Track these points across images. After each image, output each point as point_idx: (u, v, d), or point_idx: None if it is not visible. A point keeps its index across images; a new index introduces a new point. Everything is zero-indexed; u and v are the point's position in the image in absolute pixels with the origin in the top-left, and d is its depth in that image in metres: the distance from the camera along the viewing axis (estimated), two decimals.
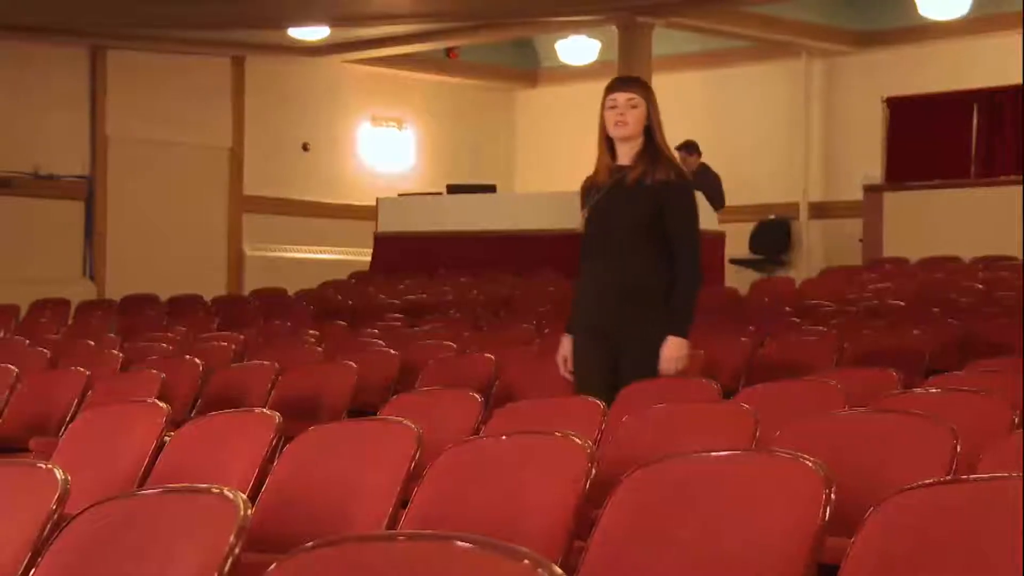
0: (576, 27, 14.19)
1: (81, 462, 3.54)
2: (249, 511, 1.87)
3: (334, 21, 13.25)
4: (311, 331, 7.90)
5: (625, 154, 4.70)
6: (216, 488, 1.94)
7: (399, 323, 8.43)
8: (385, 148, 16.10)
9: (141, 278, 12.97)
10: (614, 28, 12.71)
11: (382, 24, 13.41)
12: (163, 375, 5.42)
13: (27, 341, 7.74)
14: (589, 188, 4.77)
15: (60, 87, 14.13)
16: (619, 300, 4.60)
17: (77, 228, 14.36)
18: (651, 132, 4.68)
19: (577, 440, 2.78)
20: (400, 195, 14.01)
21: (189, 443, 3.57)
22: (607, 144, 4.72)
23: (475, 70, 16.24)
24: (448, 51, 15.44)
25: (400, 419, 3.28)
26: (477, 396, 4.25)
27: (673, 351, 4.57)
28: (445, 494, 2.80)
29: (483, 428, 3.99)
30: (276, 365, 5.79)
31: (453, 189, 13.04)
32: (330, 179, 15.78)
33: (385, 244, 13.01)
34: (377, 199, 13.71)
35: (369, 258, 13.54)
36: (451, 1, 12.38)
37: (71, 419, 5.09)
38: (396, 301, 10.09)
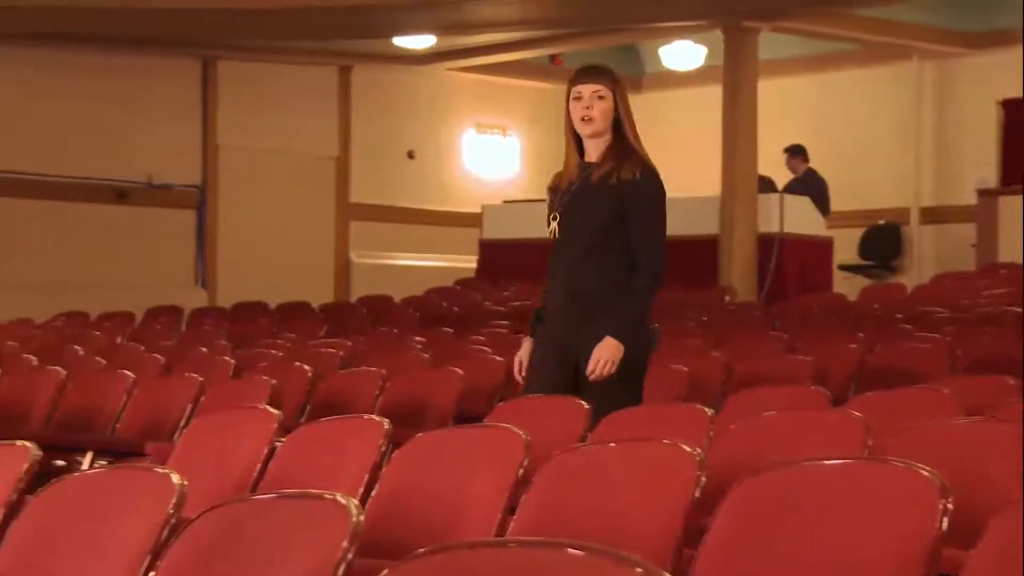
0: (681, 32, 14.11)
1: (195, 467, 3.60)
2: (361, 516, 1.89)
3: (439, 30, 13.33)
4: (417, 338, 7.96)
5: (593, 150, 4.35)
6: (329, 494, 1.96)
7: (504, 329, 8.45)
8: (490, 155, 16.15)
9: (251, 285, 13.16)
10: (719, 33, 12.62)
11: (487, 32, 13.46)
12: (273, 381, 5.49)
13: (142, 347, 7.90)
14: (556, 188, 4.43)
15: (173, 98, 14.40)
16: (579, 307, 4.29)
17: (189, 236, 14.62)
18: (620, 126, 4.32)
19: (686, 448, 2.76)
20: (505, 202, 14.05)
21: (300, 449, 3.61)
22: (575, 140, 4.36)
23: None
24: (552, 58, 15.45)
25: (507, 426, 3.28)
26: (583, 403, 4.25)
27: (604, 352, 4.20)
28: (553, 501, 2.80)
29: (589, 435, 3.98)
30: (383, 372, 5.84)
31: None
32: (435, 186, 15.87)
33: (490, 251, 13.06)
34: (482, 206, 13.77)
35: (474, 265, 13.60)
36: (556, 8, 12.39)
37: (185, 424, 5.19)
38: (501, 308, 10.12)
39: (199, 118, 14.59)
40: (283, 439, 3.76)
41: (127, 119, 14.02)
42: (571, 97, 4.33)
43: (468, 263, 13.85)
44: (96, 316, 10.95)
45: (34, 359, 7.08)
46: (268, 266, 14.44)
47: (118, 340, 8.90)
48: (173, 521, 2.18)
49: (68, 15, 11.68)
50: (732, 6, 11.80)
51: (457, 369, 5.72)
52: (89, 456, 5.35)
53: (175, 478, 2.25)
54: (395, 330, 8.79)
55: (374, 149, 15.38)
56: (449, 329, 8.49)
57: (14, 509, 2.44)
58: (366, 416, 3.71)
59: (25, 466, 2.48)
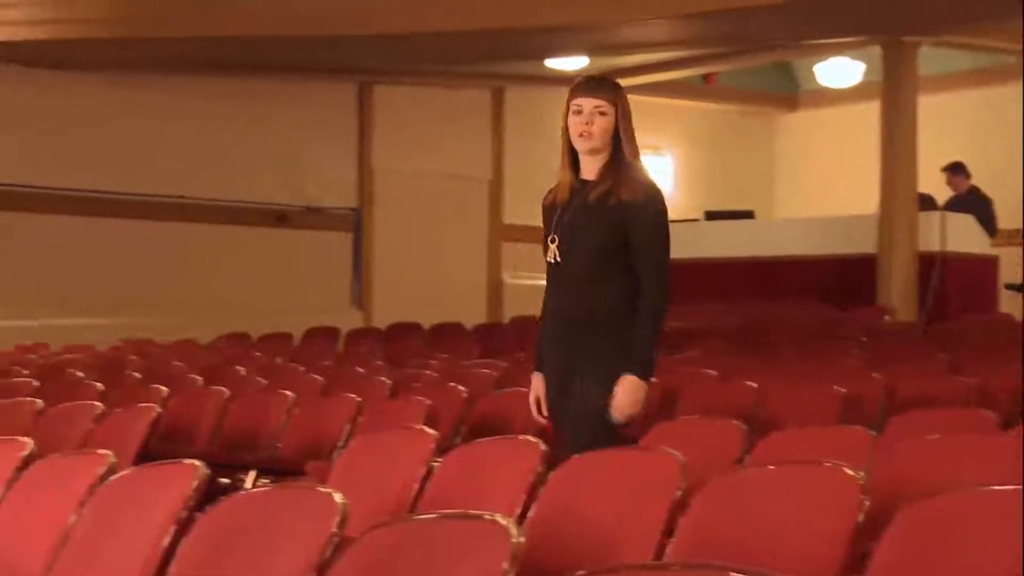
0: (838, 49, 13.90)
1: (354, 486, 3.64)
2: (522, 537, 1.90)
3: (592, 51, 13.35)
4: None
5: (590, 168, 4.10)
6: (489, 514, 1.97)
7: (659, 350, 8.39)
8: None
9: (405, 306, 13.32)
10: (876, 48, 12.40)
11: (639, 52, 13.44)
12: (429, 402, 5.53)
13: (301, 368, 8.04)
14: (550, 208, 4.18)
15: (330, 123, 14.69)
16: (580, 335, 4.03)
17: (346, 258, 14.87)
18: (619, 143, 4.07)
19: (849, 471, 2.70)
20: None
21: (457, 469, 3.63)
22: (570, 156, 4.12)
23: (733, 95, 16.10)
24: (705, 77, 15.36)
25: (664, 448, 3.26)
26: (740, 424, 4.20)
27: (627, 394, 3.94)
28: (712, 524, 2.77)
29: (747, 457, 3.93)
30: None
31: (711, 215, 12.95)
32: None
33: None
34: None
35: None
36: (709, 27, 12.30)
37: (343, 444, 5.27)
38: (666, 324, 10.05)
39: (355, 142, 14.85)
40: (440, 459, 3.79)
41: (287, 144, 14.33)
42: (570, 110, 4.09)
43: None
44: (257, 337, 11.20)
45: (199, 379, 7.27)
46: (422, 287, 14.61)
47: (278, 360, 9.08)
48: (336, 540, 2.21)
49: (231, 44, 12.02)
50: (891, 21, 11.57)
51: None
52: (252, 474, 5.46)
53: (338, 497, 2.28)
54: None
55: (526, 170, 15.45)
56: None
57: (184, 525, 2.50)
58: (522, 437, 3.71)
59: (194, 484, 2.55)
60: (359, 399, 5.80)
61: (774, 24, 12.07)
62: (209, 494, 2.67)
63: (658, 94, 15.29)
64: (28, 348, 10.56)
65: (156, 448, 5.15)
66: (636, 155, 4.11)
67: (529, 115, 15.41)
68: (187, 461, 2.66)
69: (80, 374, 7.64)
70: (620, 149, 4.08)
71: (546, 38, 12.36)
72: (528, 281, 15.29)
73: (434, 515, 2.15)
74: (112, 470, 2.89)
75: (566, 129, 4.10)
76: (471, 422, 5.89)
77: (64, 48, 12.25)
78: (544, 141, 15.69)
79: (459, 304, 14.10)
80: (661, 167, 16.18)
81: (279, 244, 14.30)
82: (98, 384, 6.79)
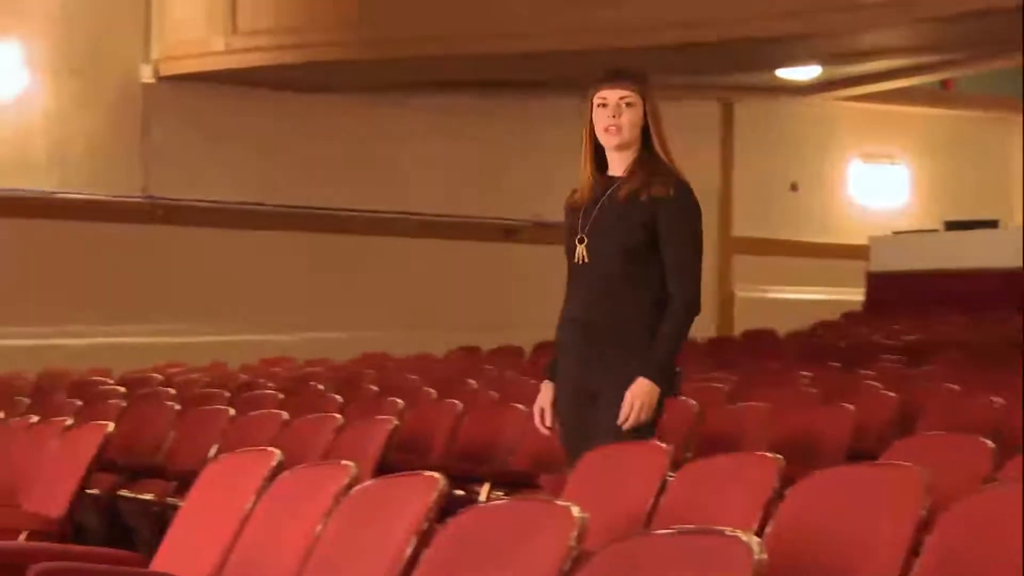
0: None
1: (588, 499, 3.65)
2: (764, 554, 1.87)
3: (825, 60, 13.12)
4: (804, 372, 7.81)
5: (617, 164, 3.87)
6: (730, 530, 1.95)
7: (897, 364, 8.17)
8: (877, 185, 15.72)
9: None
10: None
11: (874, 60, 13.14)
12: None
13: (532, 381, 8.11)
14: (572, 209, 3.94)
15: (559, 139, 14.79)
16: (600, 341, 3.80)
17: None
18: (648, 137, 3.85)
19: None
20: (894, 233, 13.64)
21: (691, 484, 3.60)
22: (592, 152, 3.89)
23: (972, 101, 15.59)
24: (943, 83, 14.91)
25: (906, 464, 3.17)
26: (987, 442, 4.04)
27: (638, 395, 3.74)
28: (960, 546, 2.67)
29: (997, 476, 3.78)
30: (770, 407, 5.76)
31: (951, 225, 12.57)
32: (819, 218, 15.60)
33: (879, 283, 12.71)
34: (869, 237, 13.40)
35: (860, 297, 13.25)
36: (946, 32, 11.94)
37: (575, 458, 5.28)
38: (892, 341, 9.80)
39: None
40: (672, 474, 3.77)
41: (513, 160, 14.52)
42: (595, 103, 3.85)
43: (854, 296, 13.50)
44: (487, 350, 11.35)
45: (433, 392, 7.41)
46: None
47: (509, 374, 9.18)
48: (575, 554, 2.22)
49: (469, 62, 12.26)
50: None
51: (848, 405, 5.57)
52: (486, 487, 5.53)
53: (576, 511, 2.29)
54: (779, 364, 8.66)
55: (756, 182, 15.28)
56: (837, 364, 8.29)
57: (425, 537, 2.56)
58: (758, 453, 3.66)
59: (434, 496, 2.60)
60: None
61: (1013, 26, 11.61)
62: (445, 506, 2.72)
63: (893, 101, 14.91)
64: (273, 361, 10.96)
65: (393, 459, 5.27)
66: (668, 150, 3.89)
67: (759, 126, 15.23)
68: (427, 473, 2.72)
69: (321, 387, 7.88)
70: (650, 142, 3.86)
71: (778, 48, 12.20)
72: (760, 294, 15.11)
73: (673, 530, 2.14)
74: (355, 481, 2.97)
75: (589, 126, 3.87)
76: (702, 436, 5.83)
77: (310, 71, 12.71)
78: (775, 153, 15.53)
79: None
80: (896, 176, 15.77)
81: (509, 259, 14.47)
82: (338, 397, 6.99)
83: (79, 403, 7.12)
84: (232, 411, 6.37)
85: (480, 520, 2.52)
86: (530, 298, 14.56)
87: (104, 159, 12.85)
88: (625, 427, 3.75)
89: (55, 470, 4.74)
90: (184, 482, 5.54)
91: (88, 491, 5.06)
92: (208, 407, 6.79)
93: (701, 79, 14.22)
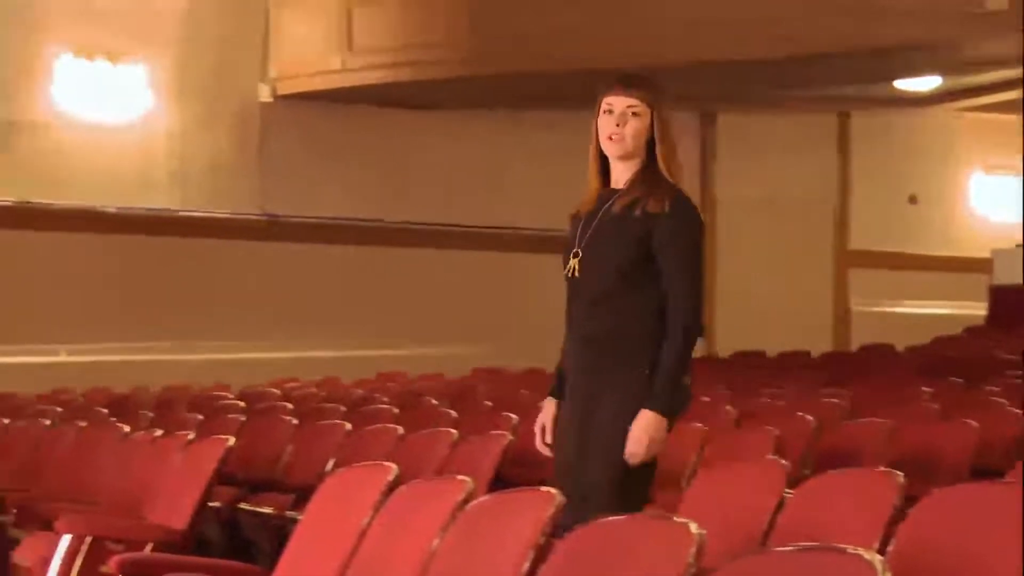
0: None
1: (704, 517, 3.62)
2: (888, 573, 1.84)
3: (945, 70, 12.89)
4: (924, 388, 7.67)
5: (620, 175, 3.69)
6: (853, 548, 1.92)
7: (1021, 380, 7.99)
8: (999, 197, 15.40)
9: (748, 334, 13.19)
10: None
11: (995, 69, 12.88)
12: (777, 432, 5.45)
13: None
14: (576, 220, 3.77)
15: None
16: (598, 359, 3.63)
17: None
18: (653, 149, 3.66)
19: None
20: (1017, 245, 13.36)
21: (809, 501, 3.55)
22: (599, 161, 3.73)
23: None
24: None
25: None
26: None
27: (643, 429, 3.54)
28: None
29: None
30: (890, 423, 5.67)
31: None
32: (939, 231, 15.34)
33: (1002, 296, 12.44)
34: (992, 250, 13.14)
35: (982, 312, 12.99)
36: None
37: (690, 474, 5.25)
38: (1016, 356, 9.58)
39: (697, 170, 14.84)
40: (790, 491, 3.72)
41: None
42: (601, 110, 3.68)
43: (975, 310, 13.24)
44: None
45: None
46: (765, 315, 14.43)
47: None
48: (693, 571, 2.20)
49: (581, 77, 12.24)
50: None
51: (971, 421, 5.46)
52: None
53: (694, 527, 2.28)
54: (898, 380, 8.51)
55: (874, 195, 15.07)
56: (958, 379, 8.13)
57: (542, 552, 2.56)
58: (879, 469, 3.60)
59: (550, 511, 2.60)
60: (705, 428, 5.77)
61: None
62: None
63: (1014, 112, 14.60)
64: (386, 376, 11.07)
65: (507, 474, 5.29)
66: (672, 164, 3.67)
67: (877, 138, 15.02)
68: (543, 488, 2.72)
69: (434, 401, 7.93)
70: (654, 157, 3.67)
71: (898, 59, 12.02)
72: (877, 308, 14.87)
73: (793, 547, 2.11)
74: (470, 496, 2.98)
75: (596, 132, 3.71)
76: (821, 453, 5.76)
77: (423, 88, 12.83)
78: (893, 165, 15.30)
79: (804, 332, 13.83)
80: (1019, 188, 15.43)
81: None
82: (451, 411, 7.03)
83: (200, 417, 7.25)
84: (348, 425, 6.44)
85: (597, 536, 2.51)
86: None
87: (223, 177, 13.10)
88: (633, 462, 3.57)
89: (178, 483, 4.83)
90: (301, 495, 5.61)
91: (210, 504, 5.14)
92: (324, 421, 6.87)
93: (818, 91, 14.06)
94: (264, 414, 7.58)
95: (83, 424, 6.84)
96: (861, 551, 1.91)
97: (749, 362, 11.04)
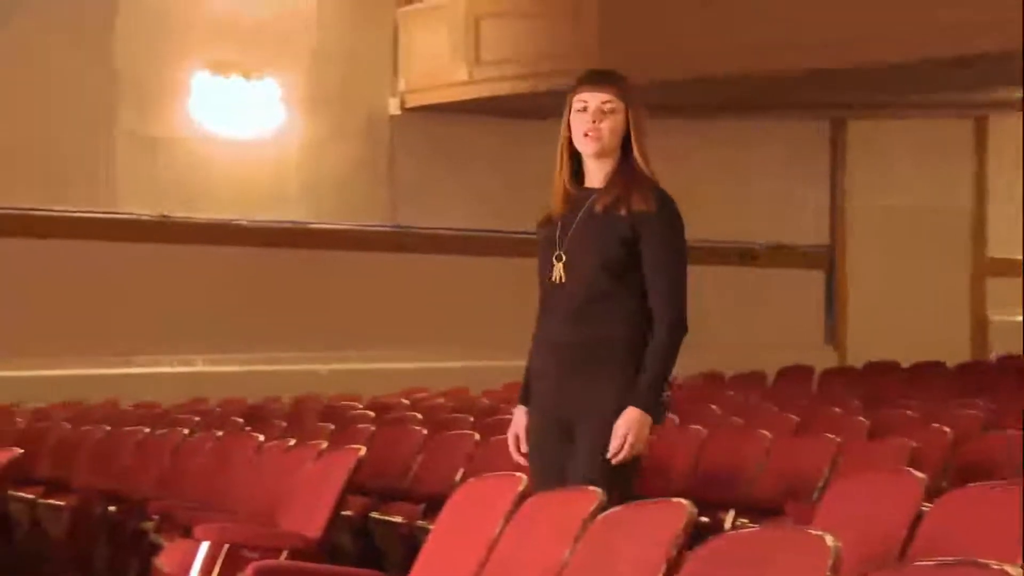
0: None
1: (839, 529, 3.56)
2: None
3: None
4: None
5: (595, 174, 3.63)
6: (996, 563, 1.88)
7: None
8: None
9: (881, 344, 12.96)
10: None
11: None
12: (913, 443, 5.36)
13: (775, 407, 7.99)
14: (545, 224, 3.70)
15: (800, 161, 14.58)
16: (583, 365, 3.56)
17: (818, 296, 14.68)
18: (629, 146, 3.59)
19: None
20: None
21: (949, 514, 3.48)
22: (570, 160, 3.65)
23: None
24: None
25: None
26: None
27: (627, 426, 3.48)
28: None
29: None
30: None
31: None
32: None
33: None
34: None
35: None
36: None
37: (824, 485, 5.18)
38: None
39: (827, 179, 14.66)
40: (928, 504, 3.65)
41: (753, 183, 14.35)
42: (573, 108, 3.61)
43: None
44: (729, 376, 11.23)
45: (675, 418, 7.37)
46: (899, 324, 14.17)
47: (752, 399, 9.06)
48: None
49: (711, 85, 12.18)
50: None
51: None
52: (731, 513, 5.47)
53: (829, 540, 2.25)
54: None
55: (1013, 201, 14.71)
56: None
57: (675, 564, 2.54)
58: (1018, 482, 3.50)
59: (683, 523, 2.58)
60: (839, 439, 5.69)
61: None
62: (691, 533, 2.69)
63: None
64: (513, 386, 11.05)
65: (636, 485, 5.26)
66: (647, 160, 3.63)
67: (1016, 143, 14.65)
68: (675, 500, 2.70)
69: None
70: (631, 153, 3.61)
71: None
72: (1017, 318, 14.50)
73: (933, 561, 2.07)
74: (601, 507, 2.98)
75: (567, 130, 3.64)
76: (957, 465, 5.64)
77: (551, 99, 12.81)
78: None
79: (939, 342, 13.55)
80: None
81: (747, 281, 14.30)
82: None
83: (331, 427, 7.35)
84: (477, 436, 6.47)
85: (731, 548, 2.49)
86: (771, 322, 14.34)
87: (354, 190, 13.27)
88: (615, 461, 3.51)
89: (311, 492, 4.90)
90: (431, 505, 5.66)
91: (342, 513, 5.20)
92: (453, 431, 6.92)
93: (953, 96, 13.78)
94: (393, 424, 7.65)
95: (220, 433, 6.98)
96: (1006, 566, 1.87)
97: (882, 372, 10.85)
